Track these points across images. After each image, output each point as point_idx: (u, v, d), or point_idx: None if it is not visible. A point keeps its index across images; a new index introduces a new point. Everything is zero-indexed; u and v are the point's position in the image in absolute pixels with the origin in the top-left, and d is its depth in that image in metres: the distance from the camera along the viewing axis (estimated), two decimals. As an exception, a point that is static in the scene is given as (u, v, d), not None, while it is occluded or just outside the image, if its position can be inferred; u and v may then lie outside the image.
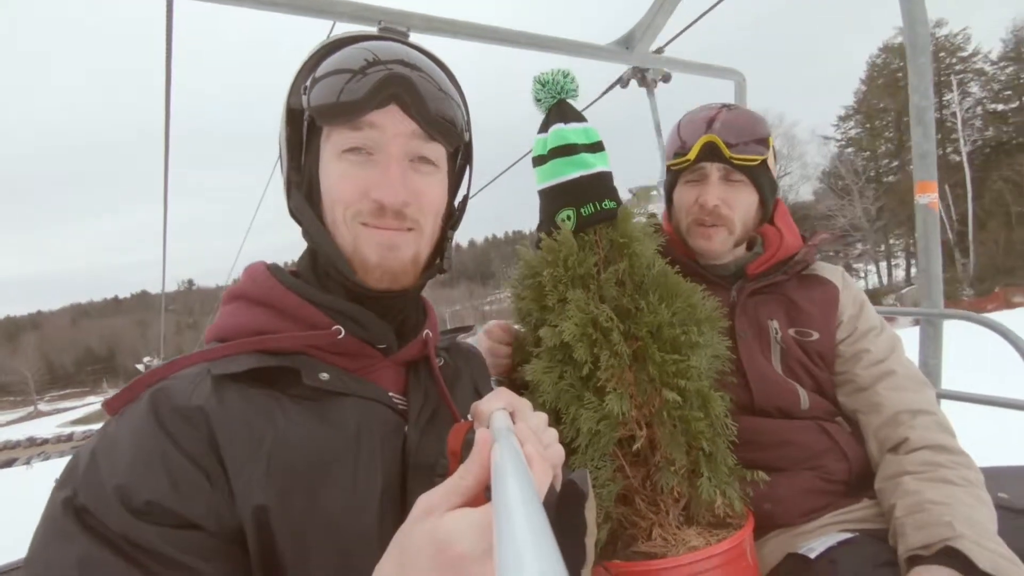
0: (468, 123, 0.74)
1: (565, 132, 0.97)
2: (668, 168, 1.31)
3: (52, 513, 0.51)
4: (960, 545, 0.86)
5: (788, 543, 1.10)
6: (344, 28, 1.19)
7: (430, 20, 1.44)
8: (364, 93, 0.62)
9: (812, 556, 1.02)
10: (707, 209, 1.21)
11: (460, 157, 0.78)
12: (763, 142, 1.20)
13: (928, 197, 1.70)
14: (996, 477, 1.26)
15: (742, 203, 1.22)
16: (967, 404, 1.61)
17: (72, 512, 0.50)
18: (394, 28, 0.73)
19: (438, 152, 0.69)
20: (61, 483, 0.53)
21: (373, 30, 0.74)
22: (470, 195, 0.83)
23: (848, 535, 1.03)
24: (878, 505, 1.11)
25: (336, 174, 0.65)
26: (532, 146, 1.03)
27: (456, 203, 0.80)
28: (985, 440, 1.11)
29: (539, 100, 1.00)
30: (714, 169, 1.21)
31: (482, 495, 0.43)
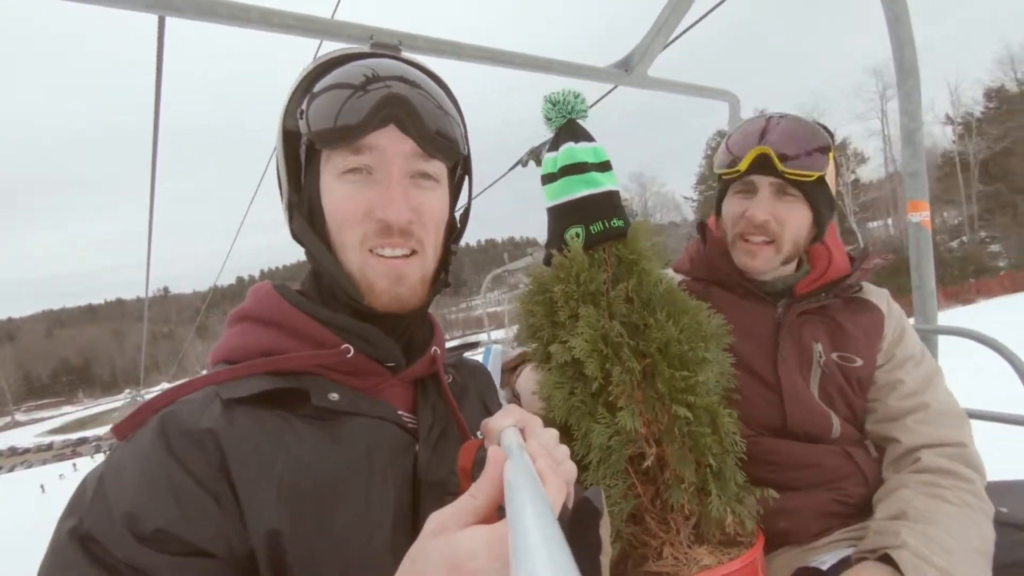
0: (466, 137, 0.75)
1: (575, 151, 0.98)
2: (719, 177, 1.24)
3: (58, 543, 0.50)
4: (896, 555, 0.88)
5: (797, 558, 1.09)
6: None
7: (433, 41, 1.47)
8: (362, 116, 0.62)
9: (824, 568, 1.01)
10: (755, 224, 1.14)
11: (459, 169, 0.79)
12: (822, 156, 1.11)
13: (920, 215, 1.74)
14: (996, 491, 1.27)
15: (794, 220, 1.14)
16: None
17: (77, 541, 0.49)
18: (386, 44, 0.72)
19: (438, 168, 0.69)
20: (68, 512, 0.52)
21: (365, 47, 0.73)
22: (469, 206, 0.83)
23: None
24: None
25: (338, 195, 0.65)
26: (543, 164, 1.04)
27: (458, 216, 0.80)
28: (984, 454, 1.10)
29: (549, 119, 1.02)
30: (765, 183, 1.14)
31: (495, 514, 0.43)
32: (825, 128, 1.19)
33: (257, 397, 0.59)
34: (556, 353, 0.96)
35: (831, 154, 1.12)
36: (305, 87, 0.67)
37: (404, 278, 0.67)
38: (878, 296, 1.24)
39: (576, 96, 0.99)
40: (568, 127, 1.01)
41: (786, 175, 1.10)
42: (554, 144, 1.02)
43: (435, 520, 0.42)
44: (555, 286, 0.98)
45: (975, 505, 0.99)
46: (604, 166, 1.00)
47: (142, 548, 0.48)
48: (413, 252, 0.68)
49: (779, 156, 1.09)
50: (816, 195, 1.14)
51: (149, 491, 0.51)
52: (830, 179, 1.15)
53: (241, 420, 0.58)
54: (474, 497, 0.42)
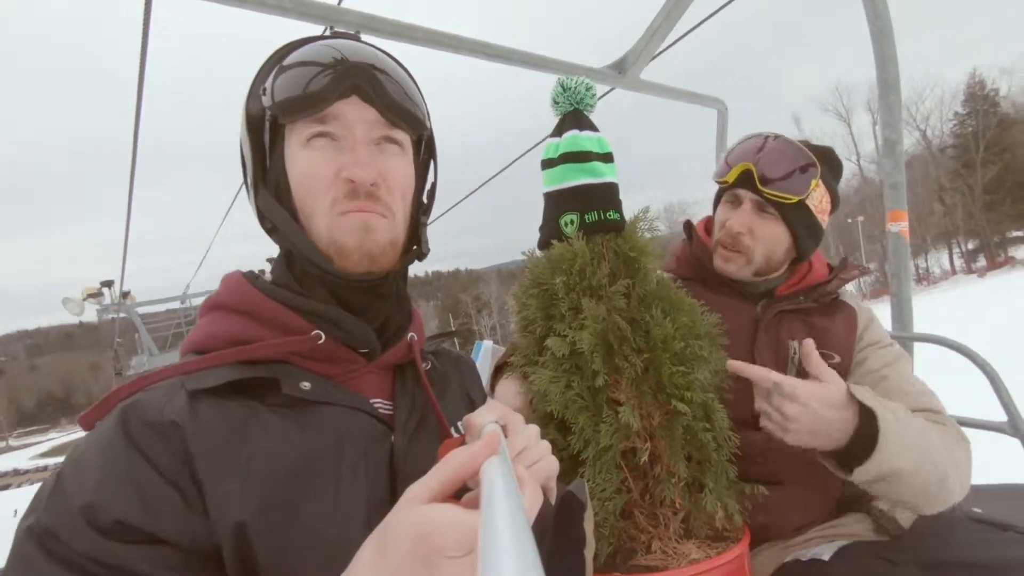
0: (428, 115, 0.75)
1: (580, 139, 0.98)
2: (717, 184, 1.31)
3: (17, 544, 0.48)
4: (858, 394, 0.93)
5: (779, 555, 1.12)
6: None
7: (433, 34, 1.46)
8: (324, 85, 0.63)
9: (804, 559, 1.03)
10: (731, 234, 1.22)
11: (424, 151, 0.78)
12: (803, 181, 1.16)
13: (899, 225, 1.80)
14: (972, 495, 1.31)
15: (769, 236, 1.20)
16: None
17: (35, 539, 0.47)
18: (345, 33, 0.73)
19: (402, 136, 0.70)
20: (27, 512, 0.50)
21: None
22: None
23: (841, 543, 1.05)
24: (864, 520, 1.14)
25: (304, 162, 0.65)
26: (544, 149, 1.04)
27: (425, 193, 0.80)
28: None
29: (557, 103, 1.02)
30: (748, 197, 1.21)
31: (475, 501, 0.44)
32: (829, 154, 1.24)
33: (224, 387, 0.58)
34: (554, 346, 0.96)
35: (815, 181, 1.17)
36: (267, 69, 0.67)
37: (372, 230, 0.65)
38: (850, 297, 1.31)
39: (588, 88, 1.00)
40: (574, 115, 1.01)
41: (764, 194, 1.17)
42: (557, 130, 1.02)
43: (412, 490, 0.42)
44: (555, 278, 0.98)
45: (953, 433, 1.02)
46: (607, 157, 1.01)
47: (102, 540, 0.47)
48: (383, 216, 0.67)
49: (761, 176, 1.17)
50: (794, 217, 1.19)
51: (108, 482, 0.49)
52: (814, 203, 1.20)
53: (205, 411, 0.56)
54: (444, 470, 0.43)
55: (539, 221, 1.08)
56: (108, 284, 11.86)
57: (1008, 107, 41.03)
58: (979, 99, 40.99)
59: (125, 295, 12.08)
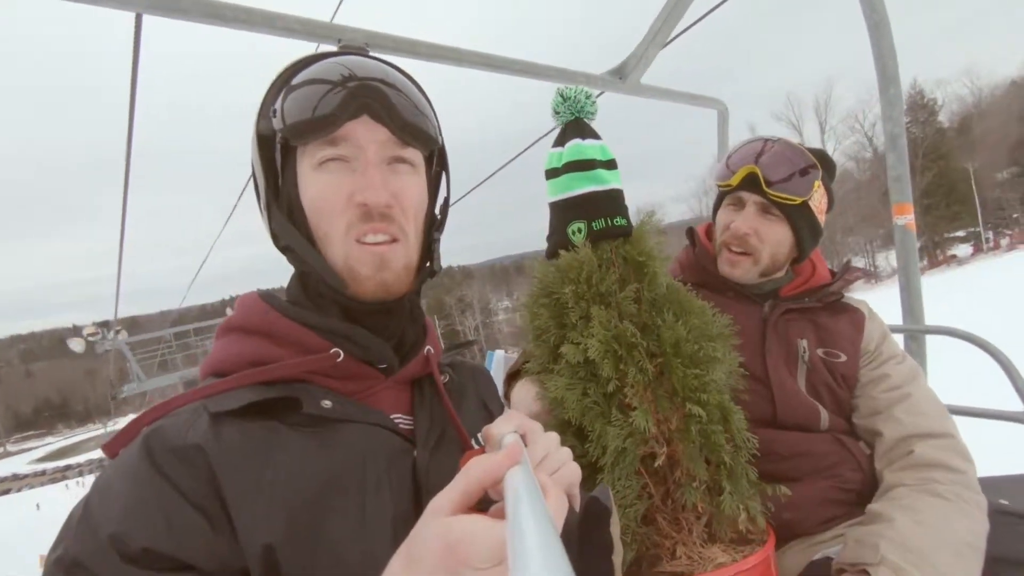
0: (439, 128, 0.75)
1: (583, 147, 0.99)
2: (717, 187, 1.34)
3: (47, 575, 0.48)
4: (874, 572, 0.90)
5: (807, 552, 1.11)
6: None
7: (435, 48, 1.47)
8: (334, 106, 0.62)
9: (832, 556, 1.03)
10: (737, 236, 1.23)
11: (435, 164, 0.78)
12: (806, 182, 1.20)
13: (905, 218, 1.79)
14: (993, 486, 1.30)
15: (774, 238, 1.23)
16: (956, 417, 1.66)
17: (64, 570, 0.47)
18: (353, 46, 0.73)
19: (414, 155, 0.69)
20: (55, 544, 0.50)
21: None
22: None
23: None
24: None
25: (317, 186, 0.65)
26: (547, 159, 1.05)
27: (438, 208, 0.80)
28: (974, 451, 1.13)
29: (557, 112, 1.03)
30: (752, 199, 1.23)
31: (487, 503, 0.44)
32: (824, 156, 1.27)
33: (245, 408, 0.58)
34: (568, 354, 0.96)
35: (817, 182, 1.21)
36: (277, 89, 0.67)
37: (388, 263, 0.66)
38: (859, 303, 1.32)
39: (587, 96, 1.01)
40: (575, 124, 1.02)
41: (770, 196, 1.20)
42: (560, 140, 1.03)
43: (436, 502, 0.42)
44: (564, 287, 0.98)
45: (968, 498, 1.01)
46: (610, 164, 1.01)
47: (131, 568, 0.47)
48: (395, 240, 0.67)
49: (765, 178, 1.19)
50: (798, 218, 1.23)
51: (135, 509, 0.49)
52: (816, 205, 1.24)
53: (229, 433, 0.56)
54: (467, 480, 0.43)
55: (534, 217, 1.08)
56: (104, 324, 14.99)
57: (943, 116, 43.90)
58: (919, 108, 43.14)
59: (118, 332, 15.32)
